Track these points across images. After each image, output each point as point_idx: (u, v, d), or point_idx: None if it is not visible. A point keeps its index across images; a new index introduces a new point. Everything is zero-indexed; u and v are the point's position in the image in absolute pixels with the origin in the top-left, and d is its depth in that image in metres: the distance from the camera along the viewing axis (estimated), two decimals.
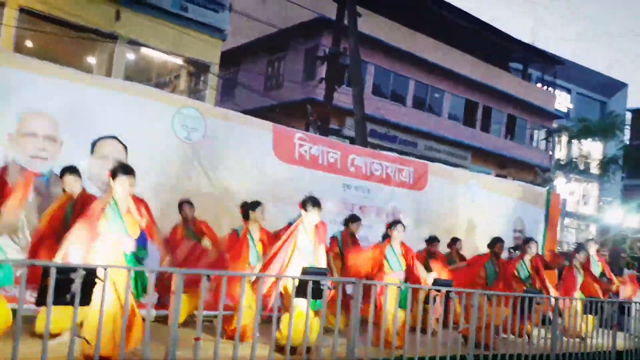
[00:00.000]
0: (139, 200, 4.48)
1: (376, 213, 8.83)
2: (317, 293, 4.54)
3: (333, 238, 7.42)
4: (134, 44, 14.18)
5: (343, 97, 15.84)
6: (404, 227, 6.52)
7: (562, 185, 30.24)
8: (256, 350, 4.12)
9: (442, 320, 5.68)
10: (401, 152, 13.74)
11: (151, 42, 14.32)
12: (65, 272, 3.39)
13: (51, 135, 5.92)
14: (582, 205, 35.38)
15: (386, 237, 6.58)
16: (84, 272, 3.41)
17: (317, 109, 16.38)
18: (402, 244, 6.47)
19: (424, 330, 5.75)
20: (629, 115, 33.43)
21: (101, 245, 4.21)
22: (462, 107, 24.88)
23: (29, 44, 13.96)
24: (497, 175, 21.56)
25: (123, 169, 4.36)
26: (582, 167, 27.01)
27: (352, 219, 7.61)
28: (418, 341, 5.31)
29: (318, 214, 5.42)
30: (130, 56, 14.73)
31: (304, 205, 5.45)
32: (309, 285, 4.45)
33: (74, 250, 4.10)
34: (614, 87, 35.72)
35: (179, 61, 15.59)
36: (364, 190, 8.73)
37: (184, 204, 6.31)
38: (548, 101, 28.01)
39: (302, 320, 4.59)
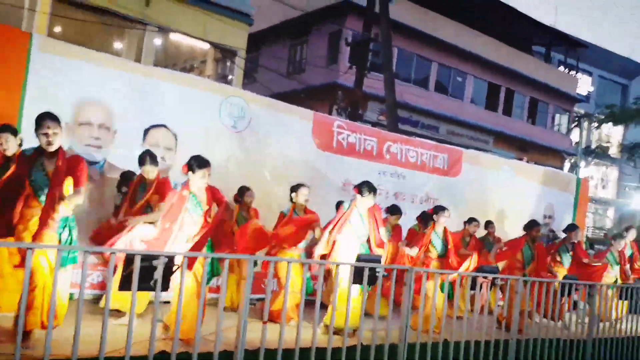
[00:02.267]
0: (212, 188, 4.69)
1: (410, 200, 8.95)
2: (372, 279, 4.70)
3: None
4: (163, 29, 14.30)
5: (366, 82, 15.88)
6: (449, 212, 6.69)
7: (582, 169, 30.15)
8: (301, 334, 4.27)
9: (487, 306, 5.82)
10: (423, 137, 13.82)
11: (179, 28, 14.43)
12: (148, 260, 3.56)
13: (105, 124, 6.10)
14: (601, 189, 35.22)
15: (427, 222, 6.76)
16: (165, 259, 3.59)
17: (344, 94, 16.45)
18: (445, 229, 6.65)
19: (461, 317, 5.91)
20: None
21: (181, 235, 4.42)
22: (484, 91, 24.81)
23: (59, 30, 14.12)
24: (519, 159, 21.57)
25: (200, 162, 4.53)
26: (608, 152, 26.84)
27: (392, 211, 7.67)
28: (465, 327, 5.44)
29: (373, 199, 5.60)
30: (159, 42, 14.87)
31: (360, 190, 5.61)
32: (365, 272, 4.60)
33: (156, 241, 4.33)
34: (636, 70, 35.29)
35: (206, 46, 15.70)
36: (399, 177, 8.85)
37: (246, 191, 6.52)
38: (570, 85, 27.80)
39: (345, 303, 4.70)
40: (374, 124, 17.47)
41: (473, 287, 5.54)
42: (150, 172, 5.41)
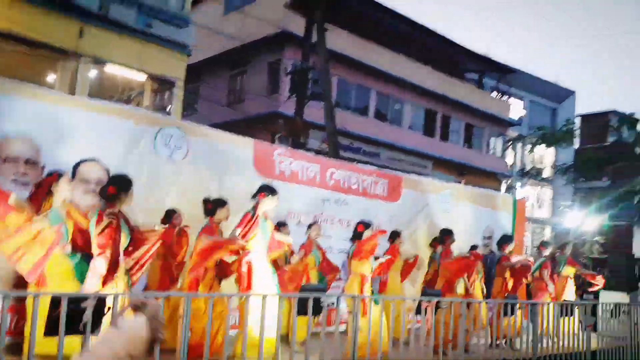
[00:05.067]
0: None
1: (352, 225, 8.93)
2: (317, 309, 4.61)
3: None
4: (98, 61, 13.95)
5: (307, 111, 15.96)
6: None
7: (518, 190, 31.17)
8: None
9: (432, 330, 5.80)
10: (365, 163, 13.93)
11: (115, 59, 14.12)
12: (76, 302, 3.36)
13: (32, 159, 5.81)
14: (537, 209, 36.45)
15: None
16: (94, 301, 3.39)
17: (285, 123, 16.46)
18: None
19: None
20: (577, 120, 34.83)
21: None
22: (421, 117, 25.44)
23: None
24: (457, 182, 22.10)
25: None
26: (542, 173, 27.95)
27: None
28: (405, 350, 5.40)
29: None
30: (94, 73, 14.48)
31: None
32: (310, 303, 4.51)
33: None
34: (563, 94, 37.05)
35: (143, 77, 15.41)
36: (342, 203, 8.84)
37: (172, 213, 6.33)
38: (503, 109, 28.92)
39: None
40: (316, 152, 17.52)
41: (418, 311, 5.52)
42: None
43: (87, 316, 3.33)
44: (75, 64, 13.81)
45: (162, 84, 15.83)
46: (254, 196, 5.81)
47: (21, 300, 4.45)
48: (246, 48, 20.38)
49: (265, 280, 5.29)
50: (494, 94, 29.88)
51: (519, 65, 31.20)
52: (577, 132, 27.96)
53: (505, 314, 6.48)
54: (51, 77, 14.84)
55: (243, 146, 7.73)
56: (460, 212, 10.43)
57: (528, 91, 34.24)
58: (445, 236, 8.14)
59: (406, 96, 24.36)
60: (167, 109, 16.03)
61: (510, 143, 28.90)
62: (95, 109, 6.31)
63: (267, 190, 5.76)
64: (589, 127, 34.94)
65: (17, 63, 13.21)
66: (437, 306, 5.62)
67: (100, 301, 3.47)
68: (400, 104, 24.58)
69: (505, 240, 8.46)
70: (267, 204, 5.73)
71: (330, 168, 8.75)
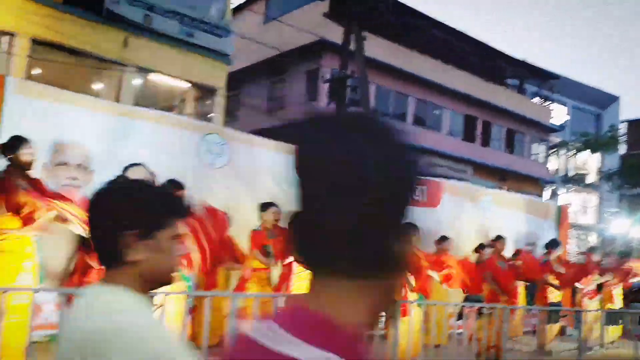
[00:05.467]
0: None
1: None
2: None
3: None
4: (142, 70, 14.36)
5: None
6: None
7: (562, 196, 30.50)
8: None
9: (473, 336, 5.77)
10: None
11: (158, 68, 14.51)
12: None
13: (83, 165, 6.04)
14: (582, 215, 35.59)
15: None
16: None
17: None
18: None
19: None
20: (622, 126, 33.93)
21: None
22: (461, 123, 25.20)
23: (38, 72, 14.11)
24: (498, 189, 21.81)
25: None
26: (587, 179, 27.31)
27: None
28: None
29: None
30: (138, 82, 14.91)
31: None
32: None
33: None
34: (607, 99, 36.15)
35: (186, 86, 15.78)
36: None
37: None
38: (545, 115, 28.39)
39: None
40: None
41: (460, 317, 5.50)
42: None
43: None
44: (120, 73, 14.25)
45: (204, 92, 16.17)
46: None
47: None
48: (285, 56, 20.61)
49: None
50: (536, 99, 29.39)
51: (562, 71, 30.66)
52: (623, 138, 27.26)
53: (549, 321, 6.38)
54: (97, 86, 15.34)
55: (284, 152, 7.82)
56: (502, 218, 10.29)
57: (571, 97, 33.55)
58: (496, 241, 8.10)
59: (445, 102, 24.20)
60: (209, 117, 16.35)
61: (553, 149, 28.31)
62: (141, 116, 6.53)
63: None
64: (635, 132, 34.01)
65: (66, 73, 13.70)
66: (480, 312, 5.58)
67: None
68: (439, 110, 24.42)
69: (553, 244, 8.31)
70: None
71: None
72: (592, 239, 34.64)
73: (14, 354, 3.77)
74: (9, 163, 4.13)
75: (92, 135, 6.05)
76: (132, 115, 6.46)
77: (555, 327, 7.05)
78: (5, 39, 12.48)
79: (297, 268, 5.61)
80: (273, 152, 7.70)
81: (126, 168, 6.28)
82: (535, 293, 8.63)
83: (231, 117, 21.94)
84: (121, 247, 1.25)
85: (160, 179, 6.46)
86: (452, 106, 24.51)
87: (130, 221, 1.27)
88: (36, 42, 12.65)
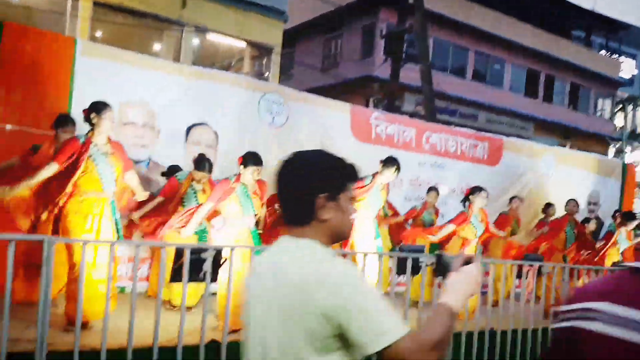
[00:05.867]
0: (262, 183, 4.86)
1: (450, 189, 8.89)
2: (416, 270, 4.71)
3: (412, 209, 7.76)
4: (200, 29, 14.52)
5: (402, 73, 15.76)
6: (487, 194, 6.67)
7: (628, 154, 29.27)
8: None
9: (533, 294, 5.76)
10: (462, 126, 13.63)
11: (216, 27, 14.64)
12: (197, 253, 3.67)
13: (149, 124, 6.27)
14: None
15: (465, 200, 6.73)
16: (214, 252, 3.69)
17: (380, 86, 16.39)
18: (482, 210, 6.64)
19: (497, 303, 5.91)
20: None
21: (231, 223, 4.58)
22: (523, 78, 24.33)
23: (99, 34, 14.51)
24: (561, 147, 21.13)
25: (254, 159, 4.72)
26: None
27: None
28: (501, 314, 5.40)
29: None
30: (196, 42, 15.11)
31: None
32: (408, 262, 4.62)
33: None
34: None
35: (242, 44, 15.87)
36: (438, 167, 8.80)
37: None
38: (612, 68, 26.99)
39: None
40: (411, 115, 17.34)
41: (519, 276, 5.49)
42: (203, 178, 5.48)
43: (207, 265, 3.64)
44: (179, 33, 14.47)
45: (261, 51, 16.23)
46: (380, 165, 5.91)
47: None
48: (341, 12, 20.32)
49: (367, 241, 5.47)
50: (603, 52, 27.97)
51: (632, 20, 28.88)
52: None
53: None
54: (157, 46, 15.64)
55: (340, 111, 7.86)
56: (564, 176, 10.04)
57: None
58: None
59: (507, 56, 23.37)
60: (265, 75, 16.45)
61: (621, 104, 26.97)
62: (204, 76, 6.66)
63: (390, 162, 5.84)
64: None
65: (126, 34, 14.03)
66: (539, 271, 5.55)
67: (218, 253, 3.77)
68: (500, 65, 23.63)
69: (628, 217, 8.06)
70: (386, 176, 5.84)
71: (427, 131, 8.70)
72: None
73: (95, 305, 4.06)
74: (91, 128, 4.35)
75: (157, 96, 6.24)
76: (195, 75, 6.59)
77: None
78: (69, 2, 12.84)
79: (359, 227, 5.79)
80: (330, 111, 7.74)
81: (190, 127, 6.49)
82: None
83: (285, 75, 22.01)
84: (316, 207, 1.50)
85: (222, 137, 6.66)
86: (513, 60, 23.66)
87: (323, 186, 1.52)
88: (98, 4, 12.96)
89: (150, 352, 3.49)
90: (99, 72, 5.88)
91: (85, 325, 4.05)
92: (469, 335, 4.99)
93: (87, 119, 4.36)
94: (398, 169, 5.86)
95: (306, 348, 1.39)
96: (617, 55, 28.14)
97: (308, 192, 1.52)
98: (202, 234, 5.36)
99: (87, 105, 5.56)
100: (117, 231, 4.31)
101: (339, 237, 1.58)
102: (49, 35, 5.99)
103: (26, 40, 5.56)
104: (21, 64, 5.51)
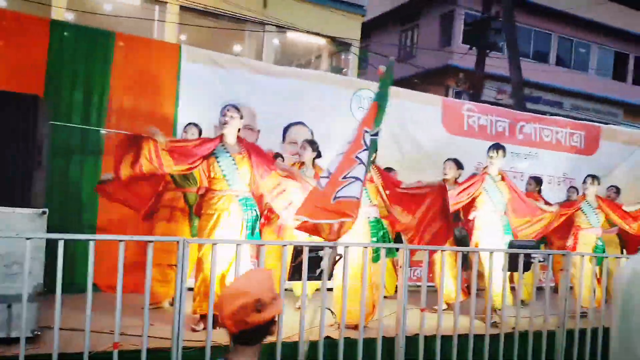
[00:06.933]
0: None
1: (547, 180, 8.62)
2: (527, 266, 4.63)
3: None
4: (281, 28, 14.77)
5: (472, 61, 15.37)
6: (599, 182, 6.46)
7: None
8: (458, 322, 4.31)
9: None
10: (545, 113, 13.14)
11: (296, 25, 14.83)
12: (314, 251, 3.77)
13: (250, 125, 6.46)
14: None
15: None
16: (330, 250, 3.78)
17: (465, 75, 16.08)
18: (599, 198, 6.45)
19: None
20: None
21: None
22: (610, 61, 23.13)
23: (186, 37, 15.04)
24: None
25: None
26: None
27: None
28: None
29: None
30: (277, 41, 15.37)
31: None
32: (520, 259, 4.55)
33: None
34: None
35: (322, 41, 15.99)
36: (533, 157, 8.56)
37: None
38: None
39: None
40: (492, 104, 16.94)
41: None
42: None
43: (324, 264, 3.73)
44: (260, 33, 14.77)
45: (340, 46, 16.30)
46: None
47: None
48: (417, 1, 20.07)
49: (495, 238, 5.36)
50: None
51: None
52: None
53: None
54: (239, 47, 16.03)
55: (431, 104, 7.80)
56: None
57: None
58: None
59: (592, 38, 22.28)
60: (344, 70, 16.51)
61: None
62: (298, 76, 6.80)
63: (493, 147, 5.72)
64: None
65: (211, 35, 14.47)
66: None
67: (334, 250, 3.85)
68: (585, 48, 22.56)
69: None
70: (496, 164, 5.66)
71: (520, 121, 8.48)
72: None
73: None
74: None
75: (256, 97, 6.42)
76: (291, 75, 6.74)
77: None
78: (158, 8, 13.41)
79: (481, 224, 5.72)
80: (422, 104, 7.69)
81: (288, 126, 6.65)
82: None
83: (361, 68, 21.96)
84: None
85: (317, 135, 6.77)
86: (600, 42, 22.53)
87: None
88: (184, 8, 13.44)
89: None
90: (202, 76, 6.13)
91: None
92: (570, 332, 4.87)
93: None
94: (504, 151, 5.69)
95: None
96: None
97: None
98: None
99: (192, 107, 5.87)
100: (248, 228, 4.41)
101: None
102: (155, 43, 6.30)
103: (136, 49, 5.87)
104: (132, 72, 5.83)
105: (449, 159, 6.29)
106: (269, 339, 1.71)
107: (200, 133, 5.35)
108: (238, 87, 6.34)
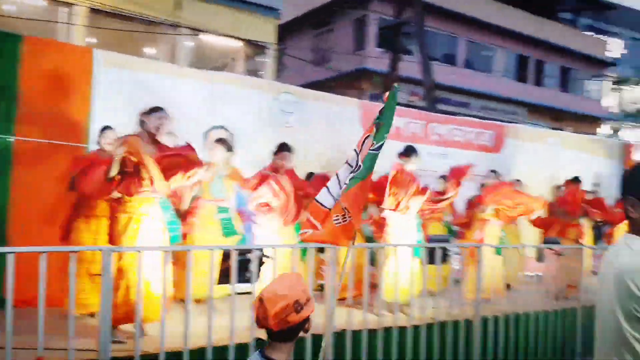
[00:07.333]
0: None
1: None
2: (445, 258, 4.88)
3: None
4: (194, 30, 14.56)
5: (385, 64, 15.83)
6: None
7: (620, 133, 29.64)
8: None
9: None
10: (455, 114, 13.78)
11: (211, 28, 14.68)
12: (242, 254, 3.80)
13: (170, 131, 6.34)
14: (636, 151, 34.50)
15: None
16: (259, 253, 3.82)
17: (372, 79, 16.51)
18: None
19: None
20: None
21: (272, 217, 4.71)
22: (513, 63, 24.58)
23: (95, 40, 14.49)
24: (554, 129, 21.40)
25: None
26: None
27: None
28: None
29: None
30: (191, 43, 15.14)
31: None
32: (437, 252, 4.78)
33: None
34: None
35: (237, 44, 15.92)
36: (445, 157, 8.96)
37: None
38: (600, 49, 27.31)
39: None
40: (405, 106, 17.52)
41: (540, 259, 5.67)
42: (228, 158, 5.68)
43: (254, 266, 3.76)
44: (174, 36, 14.49)
45: (255, 49, 16.29)
46: (399, 156, 5.98)
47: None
48: (331, 5, 20.42)
49: (409, 235, 5.56)
50: (590, 33, 28.25)
51: (618, 0, 29.09)
52: None
53: None
54: (152, 49, 15.64)
55: (350, 107, 8.00)
56: (566, 160, 10.25)
57: (628, 28, 32.05)
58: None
59: (497, 42, 23.58)
60: (260, 73, 16.51)
61: (615, 85, 27.28)
62: (219, 80, 6.78)
63: (412, 151, 5.96)
64: None
65: (121, 38, 14.03)
66: (558, 254, 5.73)
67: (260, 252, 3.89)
68: (490, 51, 23.83)
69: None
70: (411, 166, 5.92)
71: (433, 123, 8.86)
72: None
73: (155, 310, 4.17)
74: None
75: (175, 101, 6.31)
76: (211, 80, 6.70)
77: None
78: (64, 9, 12.84)
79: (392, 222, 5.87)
80: (341, 107, 7.87)
81: (209, 130, 6.60)
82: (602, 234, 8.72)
83: (278, 71, 22.04)
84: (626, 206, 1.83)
85: (239, 139, 6.78)
86: (503, 46, 23.88)
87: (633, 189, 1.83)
88: (93, 10, 12.96)
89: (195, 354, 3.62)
90: (117, 81, 5.97)
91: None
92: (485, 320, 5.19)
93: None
94: (416, 155, 5.95)
95: None
96: (604, 35, 28.44)
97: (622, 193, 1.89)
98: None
99: (107, 112, 5.70)
100: (171, 231, 4.34)
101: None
102: (67, 47, 6.07)
103: (46, 53, 5.63)
104: (42, 77, 5.58)
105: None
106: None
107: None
108: (155, 91, 6.22)
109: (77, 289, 4.72)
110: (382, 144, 3.94)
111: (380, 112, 3.93)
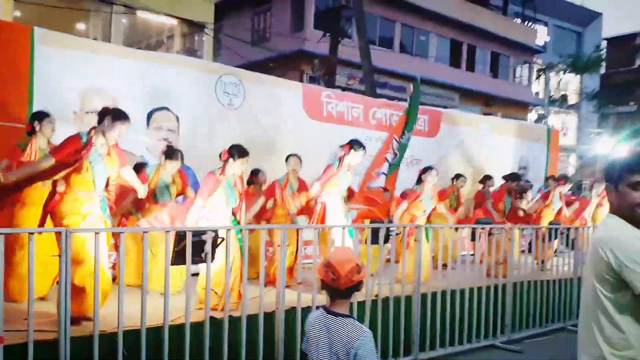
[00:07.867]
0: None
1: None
2: (387, 239, 5.13)
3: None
4: (129, 8, 14.17)
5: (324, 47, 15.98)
6: (437, 172, 7.12)
7: (548, 119, 31.16)
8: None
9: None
10: (391, 98, 14.12)
11: (146, 5, 14.31)
12: (198, 235, 3.89)
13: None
14: (562, 137, 36.38)
15: (419, 181, 7.15)
16: (213, 234, 3.92)
17: (315, 61, 16.61)
18: (433, 187, 7.12)
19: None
20: (603, 44, 34.25)
21: (216, 213, 4.77)
22: (447, 49, 25.27)
23: (25, 16, 13.83)
24: (485, 114, 22.27)
25: (241, 152, 4.86)
26: (568, 100, 27.68)
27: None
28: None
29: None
30: (126, 21, 14.74)
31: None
32: (381, 232, 5.02)
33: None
34: (589, 17, 36.19)
35: (173, 22, 15.62)
36: (383, 141, 9.22)
37: (258, 172, 6.84)
38: (529, 36, 28.51)
39: None
40: (343, 89, 17.76)
41: (473, 238, 6.03)
42: (174, 168, 5.63)
43: (208, 247, 3.87)
44: (106, 13, 14.05)
45: (192, 28, 16.04)
46: (342, 147, 6.12)
47: None
48: None
49: (339, 218, 5.77)
50: (518, 20, 29.42)
51: None
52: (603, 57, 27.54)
53: (550, 238, 6.99)
54: (84, 26, 15.10)
55: (293, 90, 8.10)
56: (498, 144, 10.79)
57: (553, 15, 33.53)
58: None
59: (431, 27, 24.15)
60: (198, 53, 16.29)
61: (540, 72, 28.58)
62: (160, 60, 6.70)
63: (356, 144, 6.03)
64: (615, 50, 34.35)
65: (53, 14, 13.47)
66: (490, 233, 6.12)
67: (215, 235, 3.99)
68: (425, 36, 24.40)
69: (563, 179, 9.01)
70: (354, 158, 6.01)
71: (373, 107, 9.10)
72: (572, 161, 35.71)
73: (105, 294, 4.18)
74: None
75: (117, 82, 6.24)
76: (152, 60, 6.61)
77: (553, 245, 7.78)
78: None
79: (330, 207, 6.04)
80: (284, 90, 7.96)
81: (151, 112, 6.54)
82: None
83: (215, 50, 21.75)
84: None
85: (183, 121, 6.77)
86: (438, 31, 24.50)
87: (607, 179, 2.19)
88: None
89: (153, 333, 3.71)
90: (57, 61, 5.82)
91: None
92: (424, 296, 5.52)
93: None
94: (365, 150, 6.11)
95: None
96: (531, 23, 29.69)
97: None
98: None
99: (47, 93, 5.57)
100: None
101: (626, 217, 2.12)
102: (5, 24, 5.84)
103: None
104: None
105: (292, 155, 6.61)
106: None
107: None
108: (98, 72, 6.11)
109: (21, 274, 4.67)
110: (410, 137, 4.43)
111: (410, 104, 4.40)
